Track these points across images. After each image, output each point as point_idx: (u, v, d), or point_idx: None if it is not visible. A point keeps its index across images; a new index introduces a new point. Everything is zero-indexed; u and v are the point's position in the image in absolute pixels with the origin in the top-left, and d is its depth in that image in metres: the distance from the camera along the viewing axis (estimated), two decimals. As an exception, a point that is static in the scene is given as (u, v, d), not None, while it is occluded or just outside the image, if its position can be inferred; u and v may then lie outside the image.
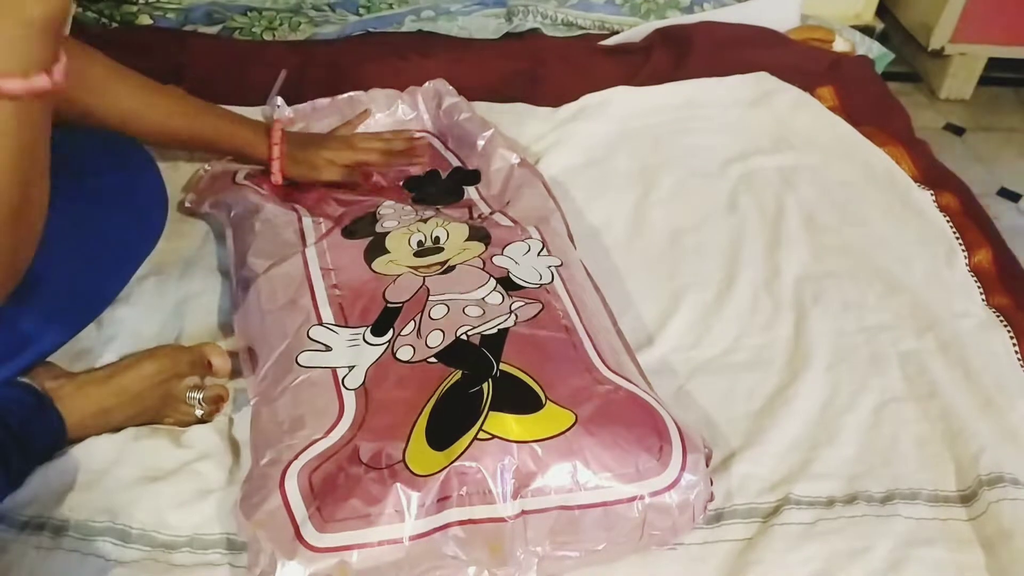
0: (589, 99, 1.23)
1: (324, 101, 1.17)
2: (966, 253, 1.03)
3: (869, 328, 0.93)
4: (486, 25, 1.43)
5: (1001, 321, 0.94)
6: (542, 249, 0.88)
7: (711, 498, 0.73)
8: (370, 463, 0.68)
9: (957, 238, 1.05)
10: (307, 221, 0.93)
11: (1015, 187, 1.75)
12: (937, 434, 0.83)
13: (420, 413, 0.71)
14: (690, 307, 0.95)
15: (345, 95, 1.17)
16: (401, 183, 1.06)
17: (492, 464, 0.68)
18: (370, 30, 1.41)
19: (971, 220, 1.07)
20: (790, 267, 1.00)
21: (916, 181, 1.13)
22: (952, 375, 0.88)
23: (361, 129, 1.14)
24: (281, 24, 1.41)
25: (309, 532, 0.64)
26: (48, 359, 0.81)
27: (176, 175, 1.06)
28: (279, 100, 1.14)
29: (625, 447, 0.70)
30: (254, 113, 1.19)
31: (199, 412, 0.82)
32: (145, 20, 1.39)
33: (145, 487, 0.75)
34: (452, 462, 0.67)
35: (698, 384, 0.87)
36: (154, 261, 0.94)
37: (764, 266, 1.01)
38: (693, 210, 1.08)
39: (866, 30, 1.69)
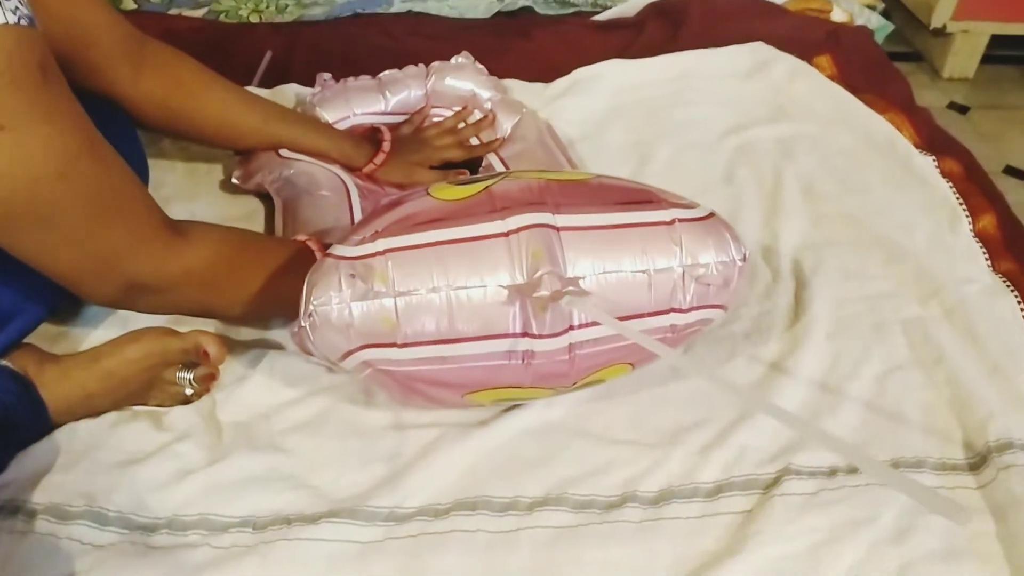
0: (581, 73, 1.21)
1: (365, 79, 1.13)
2: (970, 219, 1.00)
3: (871, 296, 0.90)
4: (477, 4, 1.42)
5: (1008, 286, 0.91)
6: None
7: (744, 258, 0.75)
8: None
9: (960, 204, 1.02)
10: (354, 192, 0.98)
11: (1021, 164, 1.73)
12: (943, 401, 0.80)
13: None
14: (688, 277, 0.92)
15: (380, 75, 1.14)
16: None
17: (524, 184, 0.73)
18: (359, 11, 1.40)
19: (975, 186, 1.04)
20: (789, 236, 0.97)
21: (917, 148, 1.10)
22: (958, 341, 0.85)
23: (395, 103, 1.11)
24: (268, 6, 1.40)
25: (340, 249, 0.70)
26: (28, 340, 0.79)
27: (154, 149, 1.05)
28: (327, 76, 1.12)
29: (652, 191, 0.76)
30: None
31: (188, 391, 0.80)
32: (130, 5, 1.38)
33: (123, 469, 0.74)
34: (482, 190, 0.73)
35: (696, 354, 0.84)
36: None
37: (762, 236, 0.98)
38: (689, 182, 1.04)
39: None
